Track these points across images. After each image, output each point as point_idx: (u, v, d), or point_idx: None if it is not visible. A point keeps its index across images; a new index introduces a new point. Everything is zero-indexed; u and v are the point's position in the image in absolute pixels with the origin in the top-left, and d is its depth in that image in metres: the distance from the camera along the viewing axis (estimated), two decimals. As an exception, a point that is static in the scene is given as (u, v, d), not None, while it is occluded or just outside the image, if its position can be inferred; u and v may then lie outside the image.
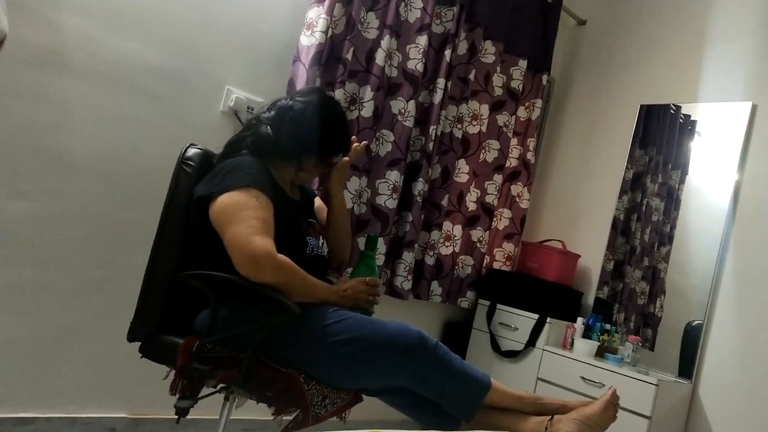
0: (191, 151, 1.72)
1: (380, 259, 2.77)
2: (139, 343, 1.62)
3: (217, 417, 1.66)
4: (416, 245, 2.93)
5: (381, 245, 2.76)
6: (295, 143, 1.70)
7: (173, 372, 1.54)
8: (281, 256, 1.46)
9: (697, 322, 2.79)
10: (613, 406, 1.59)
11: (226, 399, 1.61)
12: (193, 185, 1.65)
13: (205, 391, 1.57)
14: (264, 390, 1.46)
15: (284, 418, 1.55)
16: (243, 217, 1.47)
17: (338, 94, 2.57)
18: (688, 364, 2.75)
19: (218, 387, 1.58)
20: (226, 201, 1.52)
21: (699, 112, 3.06)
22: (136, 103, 2.19)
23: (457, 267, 3.17)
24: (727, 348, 2.66)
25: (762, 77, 2.78)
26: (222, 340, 1.50)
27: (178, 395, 1.50)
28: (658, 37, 3.28)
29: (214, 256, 1.54)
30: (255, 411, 2.30)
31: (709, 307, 2.74)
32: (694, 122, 3.07)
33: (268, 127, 1.70)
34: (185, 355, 1.47)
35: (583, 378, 2.67)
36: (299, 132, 1.70)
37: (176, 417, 1.52)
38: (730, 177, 2.83)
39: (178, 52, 2.26)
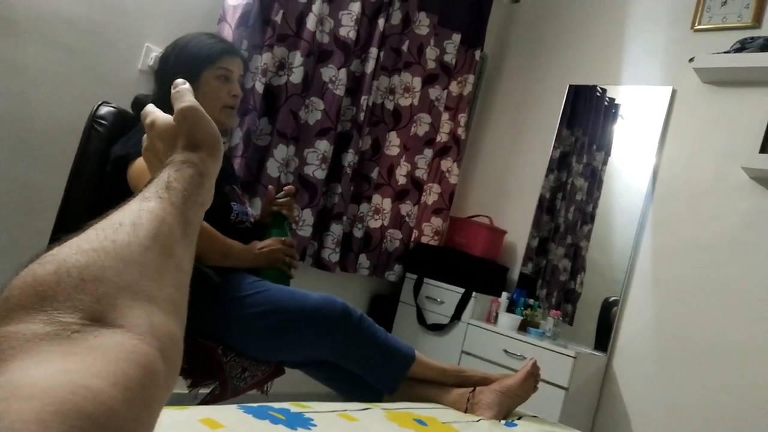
0: (104, 110, 1.61)
1: (307, 231, 2.71)
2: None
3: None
4: (344, 217, 2.88)
5: (308, 216, 2.70)
6: (167, 74, 1.62)
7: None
8: None
9: (613, 298, 2.90)
10: (533, 377, 1.62)
11: (139, 372, 1.53)
12: (105, 146, 1.55)
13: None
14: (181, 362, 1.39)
15: (200, 391, 1.49)
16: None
17: (266, 57, 2.47)
18: (603, 337, 2.86)
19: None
20: (142, 165, 1.44)
21: (622, 95, 3.14)
22: (48, 56, 2.02)
23: (385, 240, 3.15)
24: (640, 322, 2.78)
25: (680, 63, 2.88)
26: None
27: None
28: (586, 20, 3.34)
29: None
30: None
31: (626, 283, 2.85)
32: (617, 105, 3.15)
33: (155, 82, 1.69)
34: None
35: (506, 351, 2.72)
36: (171, 67, 1.63)
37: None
38: (649, 159, 2.93)
39: (96, 3, 2.10)
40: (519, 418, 1.55)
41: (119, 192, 1.47)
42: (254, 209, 2.49)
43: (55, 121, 2.05)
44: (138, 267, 0.38)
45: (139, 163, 1.44)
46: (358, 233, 2.98)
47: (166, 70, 1.64)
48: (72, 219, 1.52)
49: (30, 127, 2.00)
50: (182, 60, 1.63)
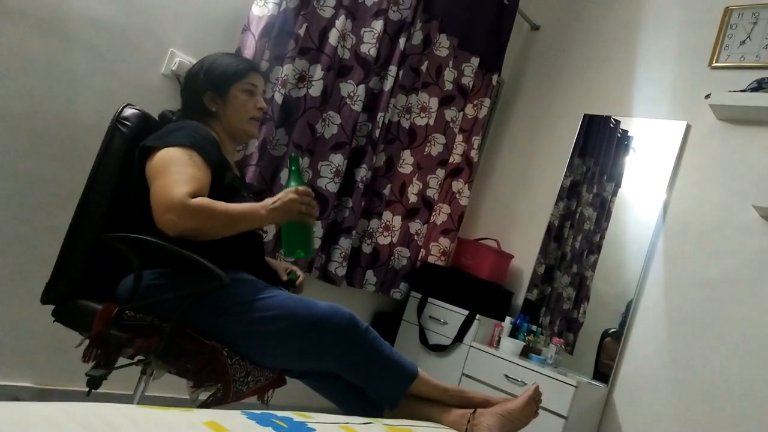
0: (128, 111, 1.64)
1: (316, 243, 2.72)
2: (53, 307, 1.52)
3: (131, 392, 1.58)
4: (354, 232, 2.90)
5: (318, 229, 2.72)
6: (195, 91, 1.73)
7: (87, 341, 1.46)
8: (196, 199, 1.42)
9: (612, 330, 2.90)
10: (535, 402, 1.61)
11: (143, 372, 1.54)
12: (128, 146, 1.58)
13: (121, 362, 1.49)
14: (184, 362, 1.40)
15: (200, 397, 1.49)
16: (171, 171, 1.46)
17: (287, 69, 2.50)
18: (601, 368, 2.85)
19: (135, 358, 1.51)
20: (162, 156, 1.50)
21: (635, 127, 3.16)
22: (74, 55, 2.05)
23: (393, 257, 3.16)
24: (643, 355, 2.77)
25: (696, 99, 2.89)
26: (144, 307, 1.43)
27: (91, 363, 1.42)
28: (604, 51, 3.37)
29: (147, 219, 1.47)
30: (171, 388, 2.23)
31: (630, 315, 2.84)
32: (630, 137, 3.17)
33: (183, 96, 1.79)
34: (103, 321, 1.39)
35: (506, 376, 2.71)
36: (200, 84, 1.73)
37: (87, 389, 1.44)
38: (660, 193, 2.94)
39: (124, 7, 2.14)
40: (519, 443, 1.54)
41: (142, 184, 1.51)
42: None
43: (77, 120, 2.08)
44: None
45: (158, 155, 1.50)
46: (366, 249, 2.99)
47: (195, 86, 1.74)
48: (89, 217, 1.54)
49: (51, 125, 2.03)
50: (212, 76, 1.73)
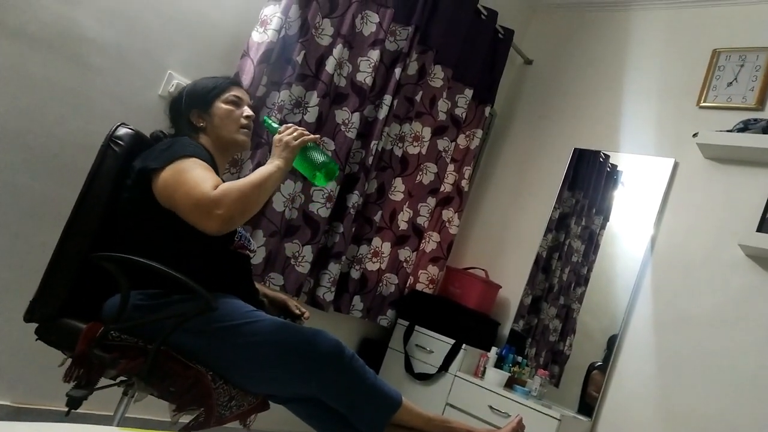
0: (122, 131, 1.65)
1: (305, 267, 2.72)
2: (36, 325, 1.51)
3: (111, 413, 1.56)
4: (344, 257, 2.90)
5: (308, 253, 2.72)
6: (180, 112, 1.78)
7: (70, 360, 1.44)
8: (222, 187, 1.46)
9: (598, 363, 2.90)
10: (518, 434, 1.61)
11: (125, 393, 1.52)
12: (120, 165, 1.59)
13: (103, 383, 1.48)
14: (168, 384, 1.39)
15: (181, 420, 1.48)
16: (185, 180, 1.48)
17: (283, 95, 2.53)
18: (587, 402, 2.85)
19: (118, 379, 1.49)
20: (170, 172, 1.51)
21: (624, 162, 3.20)
22: (70, 73, 2.07)
23: (381, 284, 3.16)
24: (627, 390, 2.77)
25: (684, 137, 2.94)
26: (129, 328, 1.43)
27: (72, 383, 1.41)
28: (595, 87, 3.44)
29: (137, 240, 1.48)
30: (151, 410, 2.20)
31: (616, 349, 2.85)
32: (619, 172, 3.21)
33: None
34: (87, 340, 1.38)
35: (491, 407, 2.70)
36: (184, 106, 1.78)
37: (66, 409, 1.42)
38: (647, 228, 2.97)
39: (123, 27, 2.17)
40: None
41: (142, 205, 1.52)
42: (256, 241, 2.51)
43: (70, 137, 2.09)
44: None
45: (165, 172, 1.51)
46: (355, 274, 2.99)
47: (180, 109, 1.77)
48: (78, 235, 1.53)
49: (45, 142, 2.04)
50: (194, 95, 1.77)
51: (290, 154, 1.61)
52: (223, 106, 1.76)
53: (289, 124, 1.69)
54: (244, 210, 1.46)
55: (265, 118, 1.78)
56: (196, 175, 1.49)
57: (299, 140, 1.63)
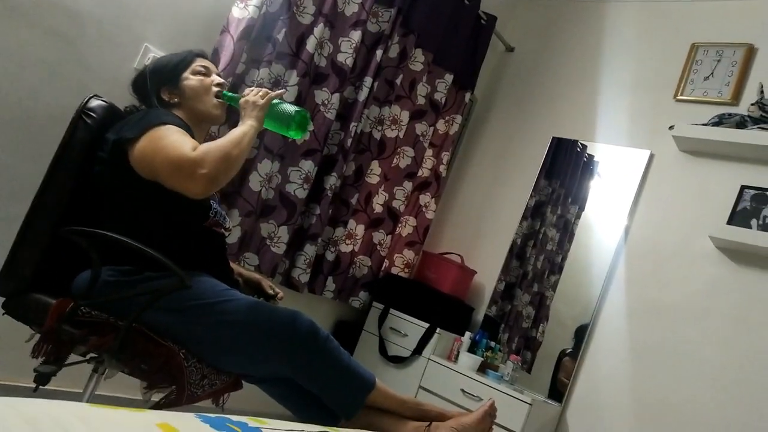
0: (94, 102, 1.61)
1: (281, 248, 2.70)
2: (3, 299, 1.48)
3: (81, 390, 1.54)
4: (320, 239, 2.89)
5: (284, 234, 2.70)
6: (147, 93, 1.73)
7: (38, 336, 1.42)
8: (202, 147, 1.45)
9: (569, 350, 2.94)
10: (489, 417, 1.63)
11: (95, 371, 1.50)
12: (92, 137, 1.55)
13: (73, 359, 1.45)
14: (139, 362, 1.37)
15: (153, 398, 1.46)
16: (164, 145, 1.46)
17: (263, 73, 2.49)
18: (557, 388, 2.89)
19: (88, 356, 1.47)
20: (147, 140, 1.48)
21: (601, 152, 3.23)
22: (43, 43, 2.01)
23: (353, 266, 3.16)
24: (597, 376, 2.82)
25: (660, 129, 2.98)
26: (100, 304, 1.40)
27: (41, 359, 1.38)
28: (575, 77, 3.45)
29: (109, 214, 1.45)
30: (122, 388, 2.17)
31: (588, 337, 2.90)
32: (596, 162, 3.24)
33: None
34: (56, 316, 1.35)
35: (463, 390, 2.73)
36: (152, 83, 1.73)
37: (34, 385, 1.39)
38: (621, 218, 3.00)
39: (98, -3, 2.11)
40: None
41: (115, 174, 1.48)
42: (232, 220, 2.48)
43: (42, 110, 2.03)
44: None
45: (145, 141, 1.48)
46: (330, 256, 2.98)
47: (147, 90, 1.72)
48: (47, 208, 1.50)
49: (14, 113, 1.98)
50: (160, 72, 1.73)
51: (260, 112, 1.62)
52: (192, 77, 1.73)
53: (251, 87, 1.68)
54: (227, 168, 1.45)
55: (224, 93, 1.76)
56: (174, 140, 1.46)
57: (266, 98, 1.64)
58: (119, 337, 1.34)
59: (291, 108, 1.68)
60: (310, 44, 2.62)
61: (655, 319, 2.75)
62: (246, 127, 1.57)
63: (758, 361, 2.47)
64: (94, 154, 1.54)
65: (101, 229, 1.40)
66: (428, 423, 1.58)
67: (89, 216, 1.50)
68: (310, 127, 2.70)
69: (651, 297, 2.80)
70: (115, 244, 1.38)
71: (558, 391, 2.89)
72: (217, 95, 1.74)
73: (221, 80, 1.77)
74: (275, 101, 1.67)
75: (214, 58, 2.35)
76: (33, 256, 1.47)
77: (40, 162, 1.64)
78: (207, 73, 1.76)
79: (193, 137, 1.63)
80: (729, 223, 2.65)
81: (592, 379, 2.83)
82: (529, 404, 2.54)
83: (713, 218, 2.71)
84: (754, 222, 2.60)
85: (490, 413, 1.63)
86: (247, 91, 1.68)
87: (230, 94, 1.75)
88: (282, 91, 1.70)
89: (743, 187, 2.69)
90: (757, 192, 2.65)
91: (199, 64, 1.76)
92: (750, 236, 2.52)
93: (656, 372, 2.67)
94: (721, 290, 2.64)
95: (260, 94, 1.65)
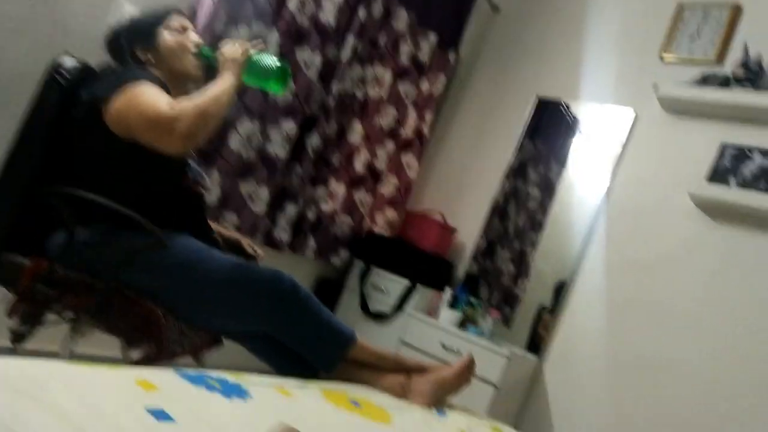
0: (66, 60, 1.57)
1: (261, 208, 2.69)
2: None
3: (57, 350, 1.54)
4: (301, 199, 2.88)
5: (265, 194, 2.69)
6: (122, 52, 1.69)
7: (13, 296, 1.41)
8: (176, 106, 1.42)
9: (549, 306, 2.99)
10: (468, 370, 1.66)
11: (73, 330, 1.51)
12: (64, 96, 1.52)
13: (50, 319, 1.45)
14: (117, 321, 1.38)
15: (133, 357, 1.47)
16: (140, 102, 1.43)
17: (243, 32, 2.45)
18: (536, 342, 2.95)
19: (65, 315, 1.47)
20: (124, 98, 1.45)
21: (585, 112, 3.22)
22: (9, -3, 1.94)
23: (334, 225, 3.16)
24: (576, 331, 2.88)
25: (644, 88, 2.97)
26: (76, 264, 1.40)
27: (17, 320, 1.38)
28: (559, 36, 3.42)
29: (86, 175, 1.43)
30: (101, 346, 2.18)
31: (566, 292, 2.94)
32: (579, 122, 3.23)
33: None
34: (30, 276, 1.35)
35: (443, 345, 2.78)
36: (127, 43, 1.69)
37: (11, 345, 1.40)
38: (604, 177, 3.02)
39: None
40: (449, 408, 1.59)
41: (90, 133, 1.46)
42: (211, 180, 2.47)
43: (9, 67, 1.97)
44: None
45: (122, 98, 1.45)
46: (311, 215, 2.98)
47: (122, 49, 1.67)
48: (19, 169, 1.48)
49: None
50: (134, 30, 1.68)
51: (238, 67, 1.59)
52: (169, 35, 1.69)
53: (227, 40, 1.65)
54: (204, 124, 1.44)
55: (202, 48, 1.72)
56: (150, 96, 1.44)
57: (244, 51, 1.61)
58: (97, 297, 1.34)
59: (271, 61, 1.63)
60: (292, 2, 2.57)
61: (633, 276, 2.80)
62: (224, 82, 1.54)
63: (734, 317, 2.53)
64: (66, 114, 1.51)
65: (76, 188, 1.39)
66: (408, 376, 1.61)
67: (63, 176, 1.48)
68: (292, 85, 2.66)
69: (629, 254, 2.84)
70: (90, 203, 1.37)
71: (537, 345, 2.95)
72: (194, 54, 1.71)
73: (198, 39, 1.73)
74: (254, 55, 1.63)
75: (192, 16, 2.30)
76: (5, 217, 1.45)
77: (10, 122, 1.60)
78: (183, 30, 1.72)
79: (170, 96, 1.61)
80: (709, 181, 2.67)
81: (570, 334, 2.89)
82: (507, 357, 2.60)
83: (693, 176, 2.73)
84: (732, 180, 2.63)
85: (469, 366, 1.67)
86: (224, 45, 1.64)
87: (207, 48, 1.71)
88: (260, 43, 1.66)
89: (724, 146, 2.70)
90: (737, 151, 2.67)
91: (175, 21, 1.72)
92: (728, 193, 2.55)
93: (633, 327, 2.73)
94: (698, 247, 2.68)
95: (238, 47, 1.61)
